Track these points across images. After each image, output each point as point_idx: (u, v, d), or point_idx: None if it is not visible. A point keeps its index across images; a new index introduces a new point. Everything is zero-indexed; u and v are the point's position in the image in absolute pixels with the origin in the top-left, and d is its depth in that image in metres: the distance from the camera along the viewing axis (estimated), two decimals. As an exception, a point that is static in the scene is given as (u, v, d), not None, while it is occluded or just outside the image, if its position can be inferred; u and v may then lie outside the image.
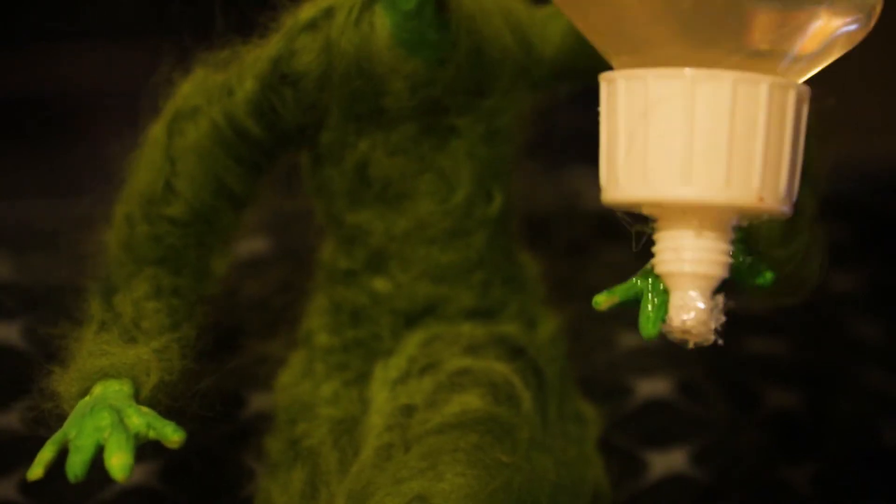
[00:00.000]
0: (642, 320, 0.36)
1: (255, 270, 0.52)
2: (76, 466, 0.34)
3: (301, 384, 0.44)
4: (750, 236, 0.37)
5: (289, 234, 0.53)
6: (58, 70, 0.57)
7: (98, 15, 0.56)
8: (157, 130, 0.41)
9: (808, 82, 0.36)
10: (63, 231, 0.46)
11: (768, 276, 0.37)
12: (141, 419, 0.35)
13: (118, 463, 0.34)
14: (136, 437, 0.35)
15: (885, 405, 0.50)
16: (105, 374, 0.37)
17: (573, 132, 0.49)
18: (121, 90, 0.41)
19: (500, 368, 0.41)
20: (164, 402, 0.37)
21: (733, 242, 0.34)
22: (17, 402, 0.47)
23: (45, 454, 0.35)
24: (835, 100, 0.39)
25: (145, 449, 0.36)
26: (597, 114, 0.35)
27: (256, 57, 0.40)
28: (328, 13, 0.39)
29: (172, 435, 0.35)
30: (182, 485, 0.46)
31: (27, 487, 0.45)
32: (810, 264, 0.38)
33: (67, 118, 0.56)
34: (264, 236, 0.53)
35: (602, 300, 0.37)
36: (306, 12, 0.40)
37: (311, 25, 0.39)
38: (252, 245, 0.53)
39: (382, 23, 0.39)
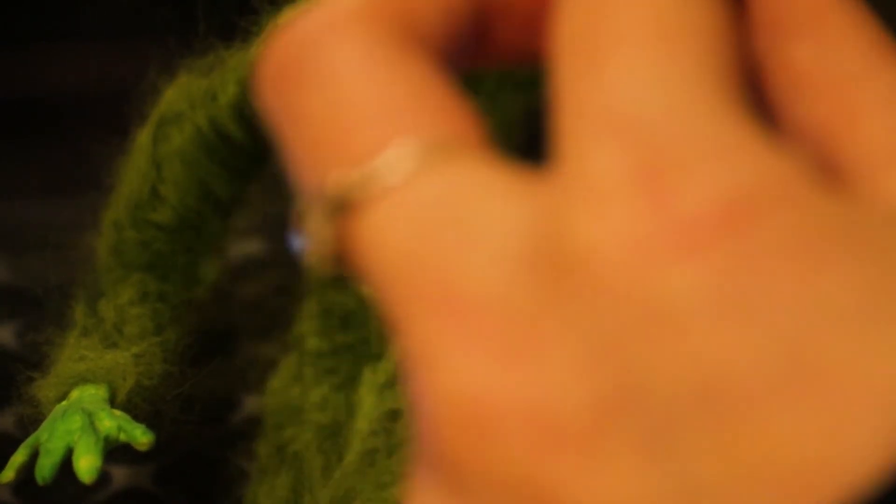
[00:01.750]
0: None
1: (250, 273, 0.52)
2: (45, 469, 0.35)
3: (291, 389, 0.44)
4: None
5: (283, 236, 0.53)
6: (51, 72, 0.57)
7: (89, 18, 0.56)
8: (143, 136, 0.41)
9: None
10: (59, 233, 0.46)
11: None
12: (112, 422, 0.35)
13: (86, 465, 0.34)
14: (107, 439, 0.35)
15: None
16: (82, 379, 0.37)
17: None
18: (116, 93, 0.41)
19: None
20: (142, 406, 0.37)
21: None
22: (11, 405, 0.47)
23: (18, 458, 0.35)
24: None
25: (139, 451, 0.36)
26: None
27: (239, 61, 0.40)
28: (308, 16, 0.39)
29: (142, 437, 0.35)
30: (176, 487, 0.46)
31: (21, 490, 0.45)
32: None
33: (61, 120, 0.56)
34: (258, 239, 0.53)
35: None
36: (286, 16, 0.39)
37: (292, 29, 0.39)
38: (246, 247, 0.53)
39: (361, 25, 0.39)
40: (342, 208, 0.18)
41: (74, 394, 0.37)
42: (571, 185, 0.17)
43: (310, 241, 0.19)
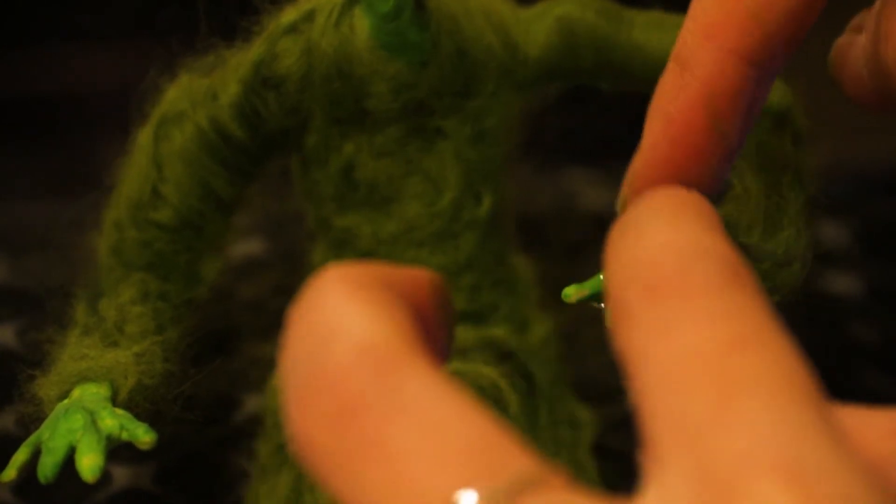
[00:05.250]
0: (607, 311, 0.36)
1: (250, 273, 0.52)
2: (47, 468, 0.35)
3: (291, 388, 0.43)
4: (729, 226, 0.37)
5: (283, 236, 0.53)
6: (53, 72, 0.57)
7: (90, 18, 0.56)
8: (143, 136, 0.41)
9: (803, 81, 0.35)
10: (59, 233, 0.46)
11: None
12: (114, 421, 0.35)
13: (88, 464, 0.34)
14: (109, 438, 0.35)
15: (882, 407, 0.49)
16: (83, 378, 0.37)
17: (568, 133, 0.48)
18: (117, 93, 0.41)
19: (488, 372, 0.41)
20: (143, 405, 0.37)
21: None
22: (12, 405, 0.47)
23: (20, 456, 0.35)
24: (834, 101, 0.38)
25: (139, 450, 0.36)
26: (590, 114, 0.35)
27: (239, 61, 0.40)
28: (309, 16, 0.39)
29: (144, 436, 0.35)
30: (176, 487, 0.46)
31: (21, 489, 0.45)
32: (793, 261, 0.38)
33: (62, 120, 0.56)
34: (259, 238, 0.53)
35: (571, 292, 0.37)
36: (288, 16, 0.40)
37: (293, 28, 0.39)
38: (247, 247, 0.53)
39: (362, 25, 0.39)
40: None
41: (76, 392, 0.37)
42: None
43: None
